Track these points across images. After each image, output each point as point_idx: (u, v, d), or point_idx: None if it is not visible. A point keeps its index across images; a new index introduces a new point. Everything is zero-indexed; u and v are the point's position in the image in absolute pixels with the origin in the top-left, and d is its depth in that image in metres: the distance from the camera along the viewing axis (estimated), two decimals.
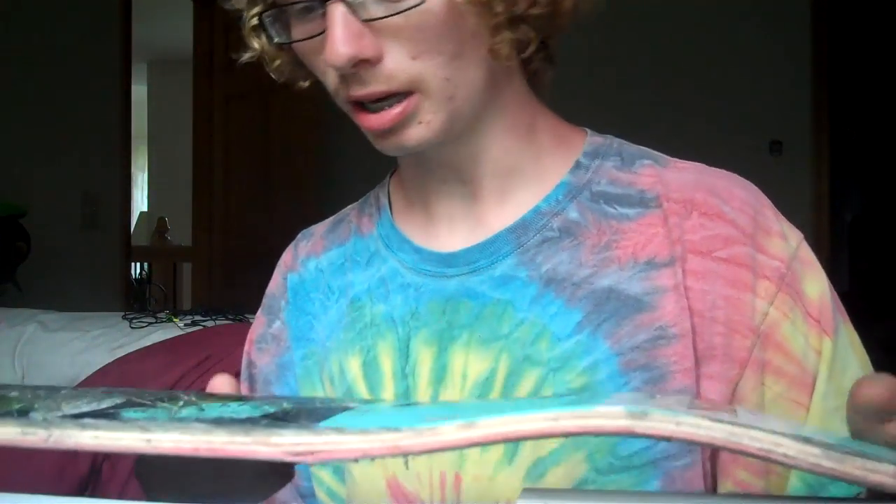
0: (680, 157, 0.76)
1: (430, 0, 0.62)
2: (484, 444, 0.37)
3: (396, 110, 0.65)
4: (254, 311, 0.86)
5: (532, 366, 0.68)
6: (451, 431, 0.37)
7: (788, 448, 0.35)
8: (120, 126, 3.72)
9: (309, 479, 0.79)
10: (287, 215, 4.03)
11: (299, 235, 0.86)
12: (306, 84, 0.74)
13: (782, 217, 0.72)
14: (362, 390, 0.74)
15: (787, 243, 0.70)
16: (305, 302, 0.81)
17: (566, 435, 0.36)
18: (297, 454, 0.38)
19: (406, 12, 0.62)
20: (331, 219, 0.86)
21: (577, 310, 0.69)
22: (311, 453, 0.38)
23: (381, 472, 0.72)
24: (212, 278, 4.52)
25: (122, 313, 2.26)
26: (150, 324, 2.14)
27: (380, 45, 0.64)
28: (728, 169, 0.74)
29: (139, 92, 5.91)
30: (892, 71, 5.20)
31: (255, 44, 0.71)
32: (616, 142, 0.76)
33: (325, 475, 0.77)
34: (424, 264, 0.74)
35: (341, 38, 0.62)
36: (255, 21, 0.69)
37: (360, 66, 0.64)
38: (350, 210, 0.85)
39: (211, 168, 4.51)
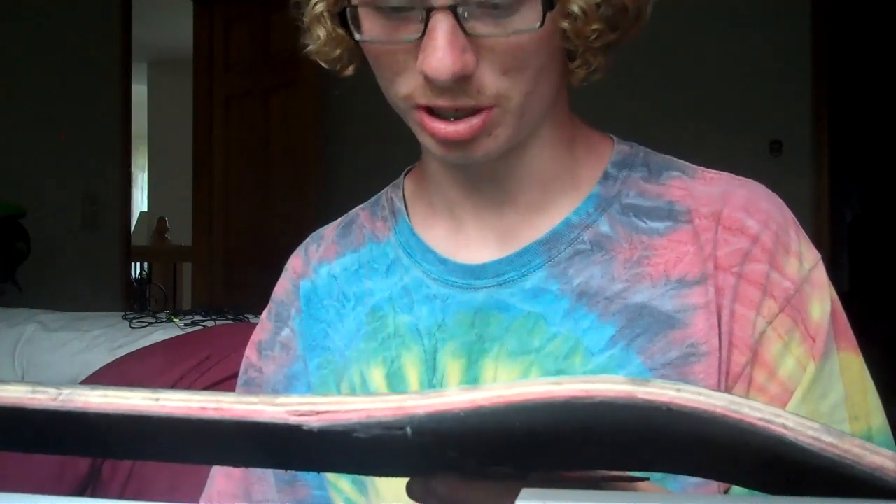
0: (680, 158, 0.76)
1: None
2: (488, 406, 0.37)
3: (475, 121, 0.64)
4: (254, 312, 0.85)
5: None
6: (456, 394, 0.37)
7: (788, 420, 0.35)
8: (120, 126, 3.71)
9: (321, 486, 0.76)
10: (287, 215, 4.02)
11: (308, 239, 0.84)
12: (350, 72, 0.71)
13: (803, 234, 0.72)
14: None
15: (801, 265, 0.70)
16: (319, 309, 0.79)
17: (569, 398, 0.36)
18: (301, 414, 0.38)
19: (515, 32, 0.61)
20: (339, 221, 0.83)
21: (611, 324, 0.69)
22: (315, 413, 0.38)
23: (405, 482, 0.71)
24: (212, 278, 4.51)
25: (122, 313, 2.25)
26: (150, 324, 2.13)
27: (476, 59, 0.62)
28: (728, 169, 0.74)
29: (139, 92, 5.90)
30: (892, 71, 5.20)
31: (320, 33, 0.68)
32: (642, 150, 0.76)
33: (343, 484, 0.75)
34: (451, 275, 0.73)
35: (448, 51, 0.60)
36: (320, 9, 0.67)
37: (456, 79, 0.62)
38: (359, 212, 0.82)
39: (211, 168, 4.50)
